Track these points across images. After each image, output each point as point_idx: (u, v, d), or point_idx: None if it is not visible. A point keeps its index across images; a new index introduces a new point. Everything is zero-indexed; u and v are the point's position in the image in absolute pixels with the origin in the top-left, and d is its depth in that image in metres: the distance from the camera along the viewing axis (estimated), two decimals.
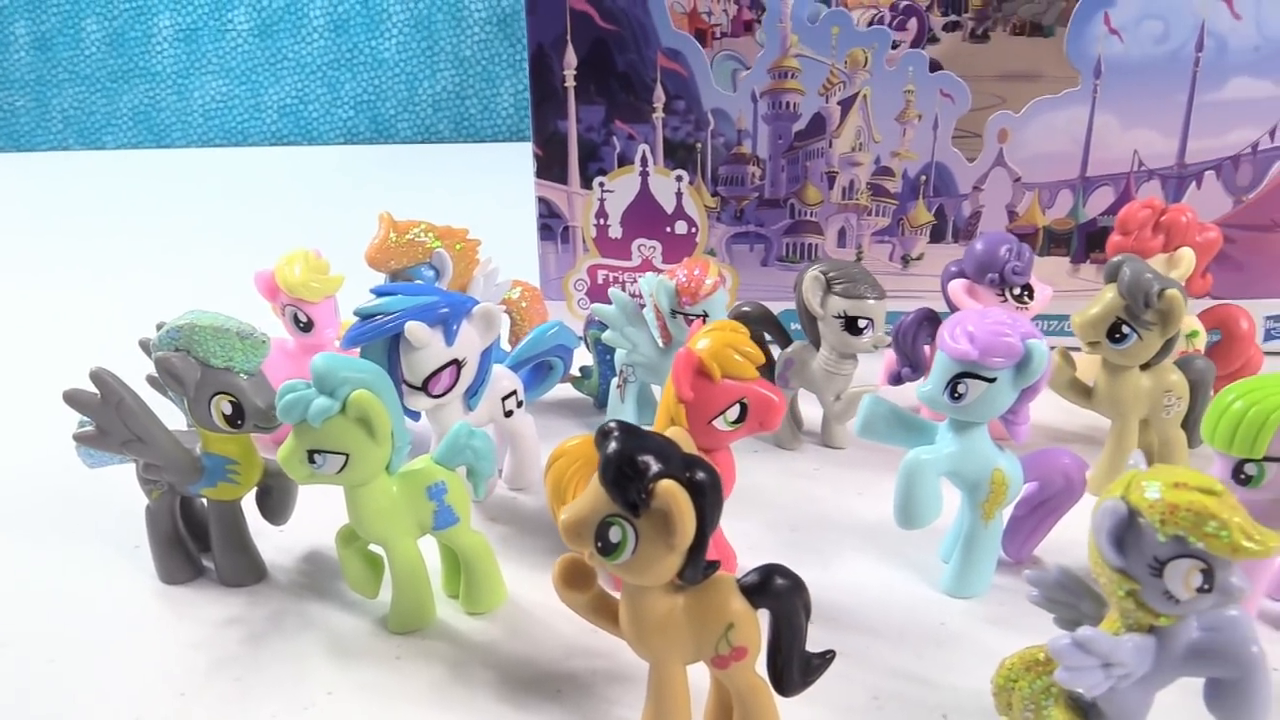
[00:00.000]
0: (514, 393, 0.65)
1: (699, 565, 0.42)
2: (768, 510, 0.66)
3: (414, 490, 0.54)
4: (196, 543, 0.61)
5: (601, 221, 0.83)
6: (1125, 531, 0.40)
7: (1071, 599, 0.45)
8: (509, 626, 0.56)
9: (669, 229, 0.83)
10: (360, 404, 0.50)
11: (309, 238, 0.80)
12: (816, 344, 0.70)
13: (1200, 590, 0.39)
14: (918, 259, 0.82)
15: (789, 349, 0.71)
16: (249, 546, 0.60)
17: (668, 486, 0.40)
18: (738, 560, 0.60)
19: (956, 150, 0.78)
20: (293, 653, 0.54)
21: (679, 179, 0.81)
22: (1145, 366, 0.65)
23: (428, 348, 0.59)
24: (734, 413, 0.53)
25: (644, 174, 0.81)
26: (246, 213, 1.51)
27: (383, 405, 0.50)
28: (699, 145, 0.80)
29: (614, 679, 0.51)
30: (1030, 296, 0.70)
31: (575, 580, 0.46)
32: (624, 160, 0.81)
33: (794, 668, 0.45)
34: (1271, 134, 0.77)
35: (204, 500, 0.60)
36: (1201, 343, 0.76)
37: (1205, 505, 0.38)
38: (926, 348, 0.71)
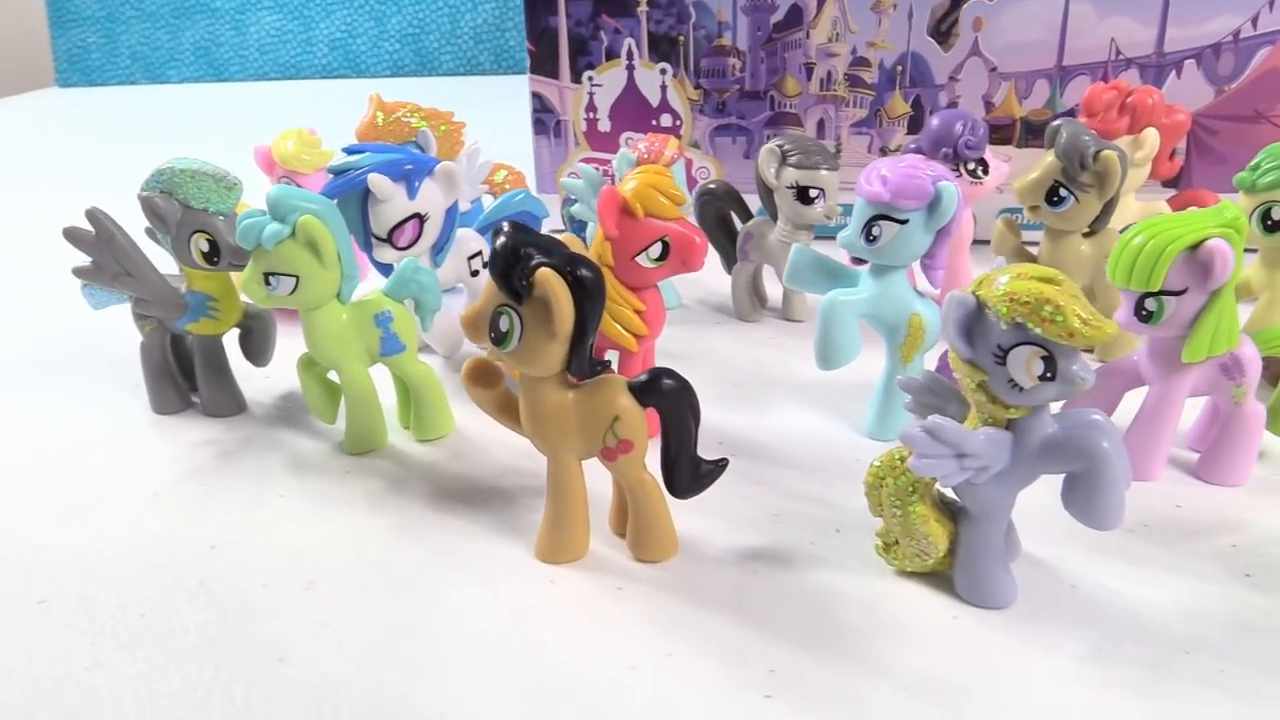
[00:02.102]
0: (479, 253, 0.70)
1: (584, 358, 0.46)
2: (716, 369, 0.70)
3: (362, 317, 0.58)
4: (186, 381, 0.67)
5: (591, 115, 0.87)
6: (974, 323, 0.42)
7: (939, 402, 0.47)
8: (452, 451, 0.61)
9: (655, 122, 0.86)
10: (307, 228, 0.55)
11: None
12: (775, 217, 0.72)
13: (1043, 378, 0.41)
14: (896, 150, 0.83)
15: (749, 223, 0.74)
16: (230, 380, 0.66)
17: (545, 273, 0.44)
18: None
19: (931, 40, 0.79)
20: (256, 468, 0.60)
21: (663, 72, 0.84)
22: (1089, 234, 0.66)
23: (391, 201, 0.63)
24: (656, 250, 0.57)
25: (630, 68, 0.84)
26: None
27: (328, 230, 0.55)
28: (681, 38, 0.83)
29: (539, 494, 0.55)
30: (985, 172, 0.71)
31: (481, 378, 0.50)
32: (611, 54, 0.85)
33: (684, 468, 0.48)
34: (1254, 21, 0.76)
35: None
36: None
37: (1043, 292, 0.40)
38: None
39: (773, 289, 0.79)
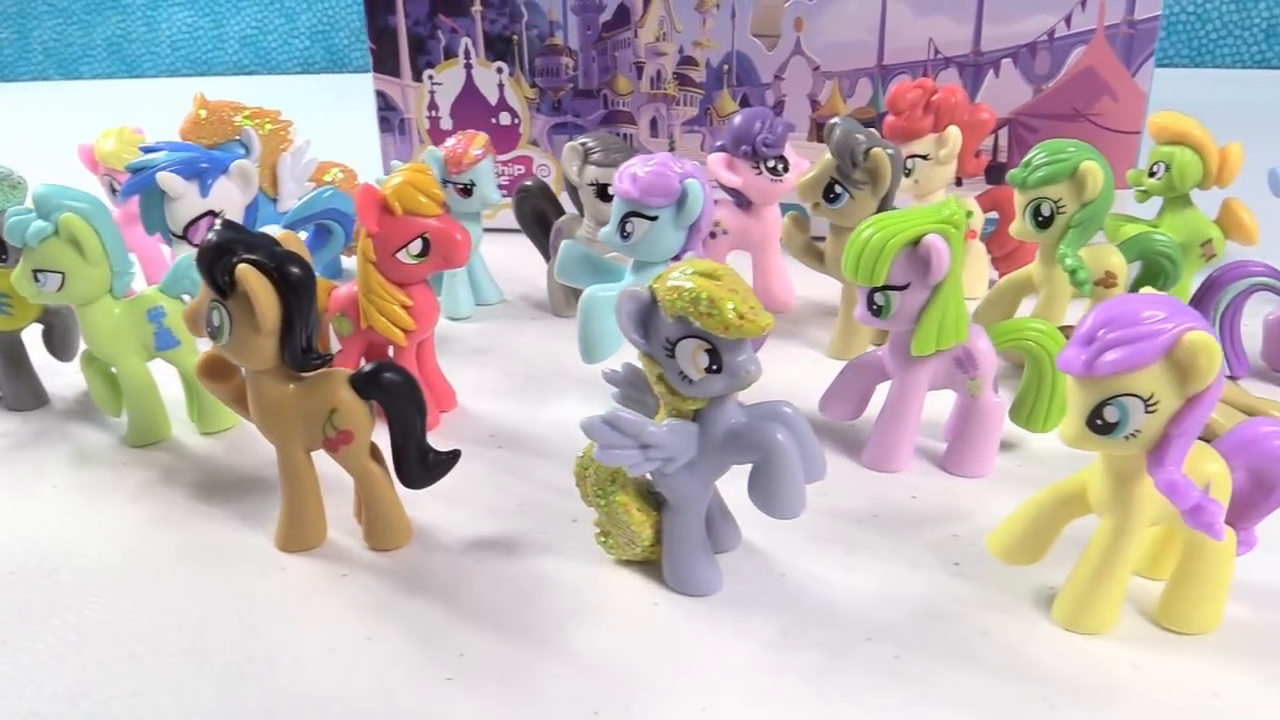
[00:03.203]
0: None
1: (295, 351, 0.47)
2: (515, 363, 0.71)
3: (136, 313, 0.60)
4: None
5: (433, 113, 0.88)
6: (648, 316, 0.43)
7: (639, 394, 0.48)
8: (231, 443, 0.62)
9: (494, 120, 0.87)
10: (69, 225, 0.56)
11: None
12: (582, 214, 0.73)
13: (710, 370, 0.42)
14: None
15: (559, 220, 0.75)
16: (29, 374, 0.67)
17: (243, 269, 0.45)
18: (458, 400, 0.65)
19: (756, 40, 0.81)
20: (38, 459, 0.61)
21: (500, 71, 0.85)
22: None
23: (183, 198, 0.64)
24: (416, 247, 0.58)
25: (467, 66, 0.85)
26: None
27: (90, 227, 0.56)
28: (515, 37, 0.84)
29: None
30: (785, 169, 0.72)
31: (215, 371, 0.51)
32: (449, 53, 0.86)
33: (411, 460, 0.49)
34: (1067, 20, 0.78)
35: None
36: (978, 223, 0.77)
37: (701, 287, 0.41)
38: None
39: None
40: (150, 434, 0.61)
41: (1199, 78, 1.85)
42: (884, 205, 0.65)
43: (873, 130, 0.65)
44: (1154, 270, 0.67)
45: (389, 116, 0.89)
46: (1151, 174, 0.73)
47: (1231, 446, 0.43)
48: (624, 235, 0.57)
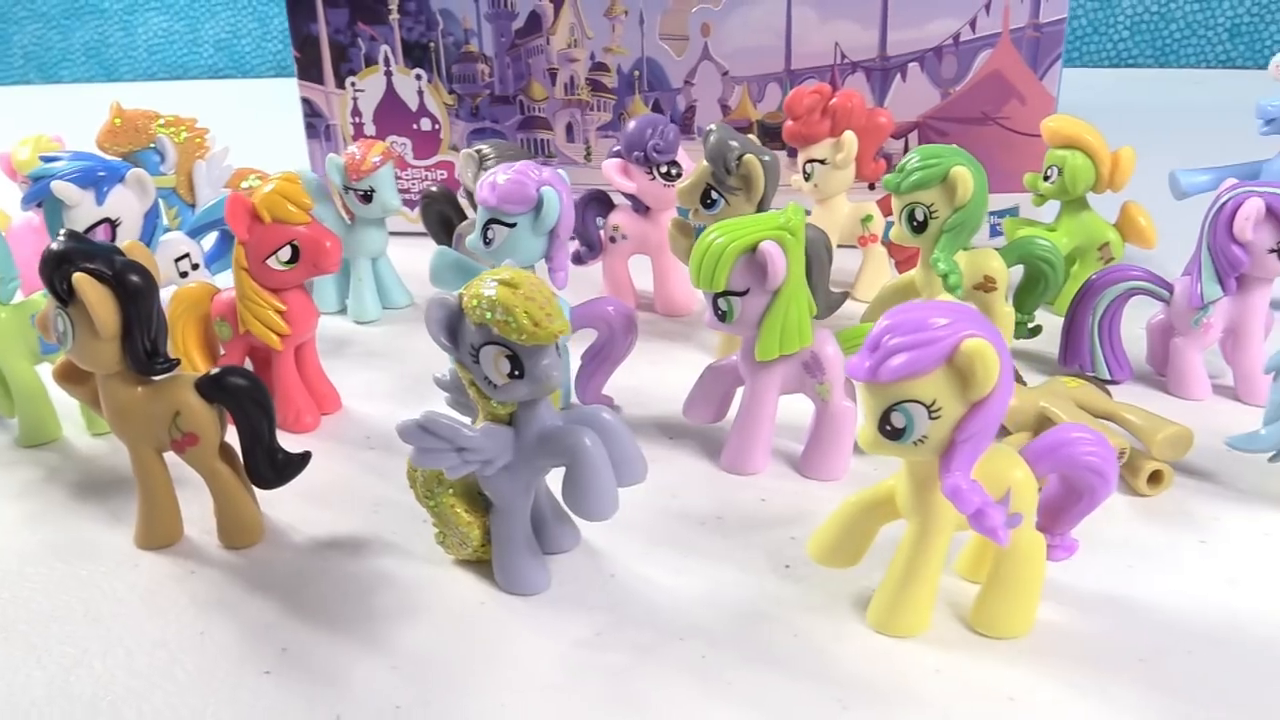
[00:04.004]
0: (187, 255, 0.72)
1: (137, 356, 0.49)
2: (407, 365, 0.72)
3: (20, 317, 0.61)
4: None
5: (357, 120, 0.89)
6: (457, 323, 0.44)
7: (466, 399, 0.50)
8: (117, 444, 0.63)
9: (416, 126, 0.88)
10: None
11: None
12: None
13: (513, 376, 0.43)
14: None
15: (460, 225, 0.76)
16: None
17: (78, 278, 0.46)
18: (343, 402, 0.66)
19: (665, 45, 0.82)
20: None
21: (418, 78, 0.87)
22: None
23: (79, 206, 0.66)
24: (286, 254, 0.59)
25: (387, 73, 0.87)
26: None
27: None
28: (432, 45, 0.85)
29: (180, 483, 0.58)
30: (679, 174, 0.73)
31: (71, 376, 0.53)
32: (370, 61, 0.87)
33: (260, 461, 0.51)
34: (972, 25, 0.78)
35: None
36: (878, 228, 0.77)
37: (498, 295, 0.43)
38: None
39: None
40: (39, 434, 0.63)
41: (1164, 78, 1.85)
42: (761, 211, 0.65)
43: (750, 137, 0.66)
44: (1035, 275, 0.67)
45: (315, 123, 0.91)
46: (1046, 178, 0.73)
47: (1036, 453, 0.44)
48: (486, 242, 0.58)
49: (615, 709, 0.41)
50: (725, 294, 0.53)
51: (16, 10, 2.01)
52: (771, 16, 0.80)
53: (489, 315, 0.42)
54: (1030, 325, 0.68)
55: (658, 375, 0.69)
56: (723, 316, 0.54)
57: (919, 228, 0.63)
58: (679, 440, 0.61)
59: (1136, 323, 0.69)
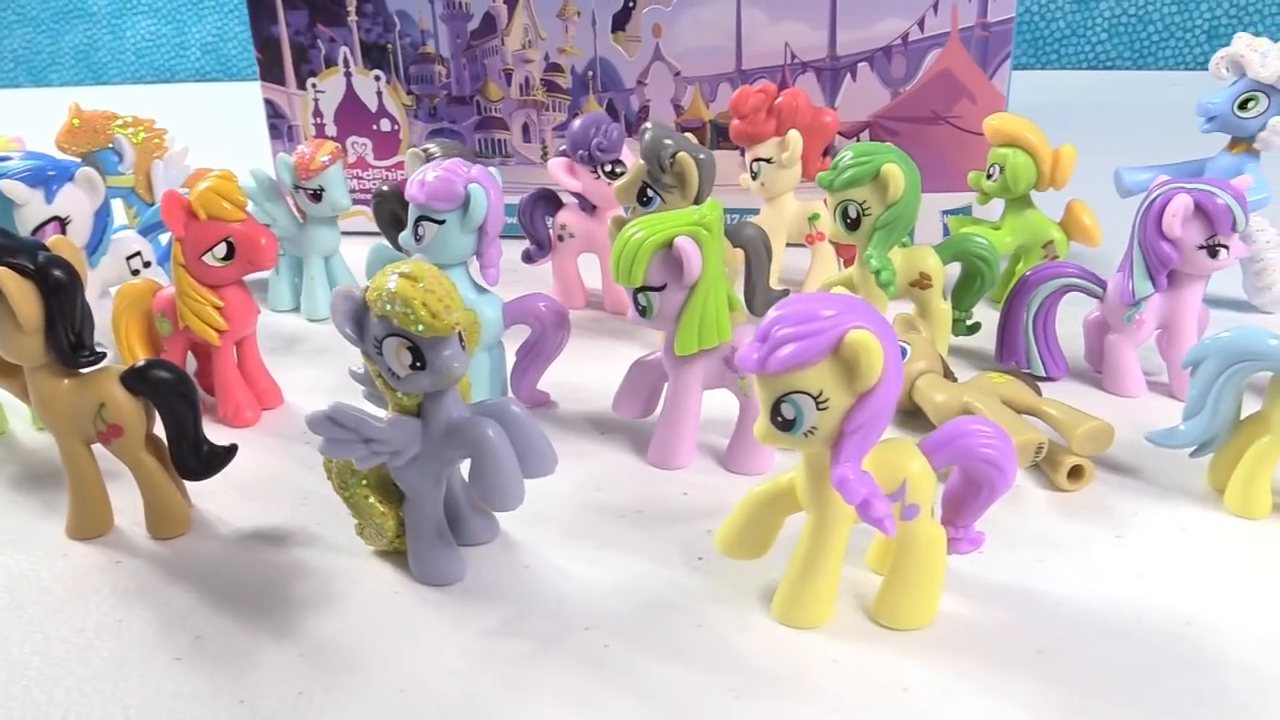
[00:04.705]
0: (139, 253, 0.74)
1: (61, 349, 0.50)
2: (353, 362, 0.72)
3: None
4: None
5: (318, 120, 0.90)
6: (363, 316, 0.45)
7: (379, 392, 0.50)
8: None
9: (375, 127, 0.89)
10: None
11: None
12: None
13: (414, 368, 0.44)
14: None
15: None
16: None
17: (0, 273, 0.47)
18: (286, 397, 0.67)
19: (617, 46, 0.82)
20: None
21: (377, 79, 0.88)
22: None
23: (28, 205, 0.67)
24: (221, 250, 0.60)
25: (347, 75, 0.88)
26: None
27: None
28: (390, 46, 0.86)
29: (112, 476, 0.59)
30: (623, 172, 0.73)
31: (1, 369, 0.54)
32: (330, 62, 0.88)
33: (185, 452, 0.52)
34: (920, 24, 0.78)
35: None
36: (826, 226, 0.78)
37: (398, 287, 0.43)
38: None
39: None
40: None
41: (1142, 80, 1.84)
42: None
43: (689, 135, 0.66)
44: (972, 272, 0.68)
45: (278, 124, 0.92)
46: (989, 176, 0.74)
47: (934, 445, 0.44)
48: (418, 239, 0.59)
49: (510, 696, 0.42)
50: (643, 289, 0.53)
51: (6, 14, 2.04)
52: (722, 17, 0.80)
53: (389, 307, 0.43)
54: (969, 322, 0.68)
55: (601, 372, 0.70)
56: (643, 312, 0.54)
57: (852, 225, 0.64)
58: (611, 435, 0.62)
59: (1077, 320, 0.69)
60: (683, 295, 0.53)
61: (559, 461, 0.48)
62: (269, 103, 0.91)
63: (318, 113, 0.90)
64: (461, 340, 0.45)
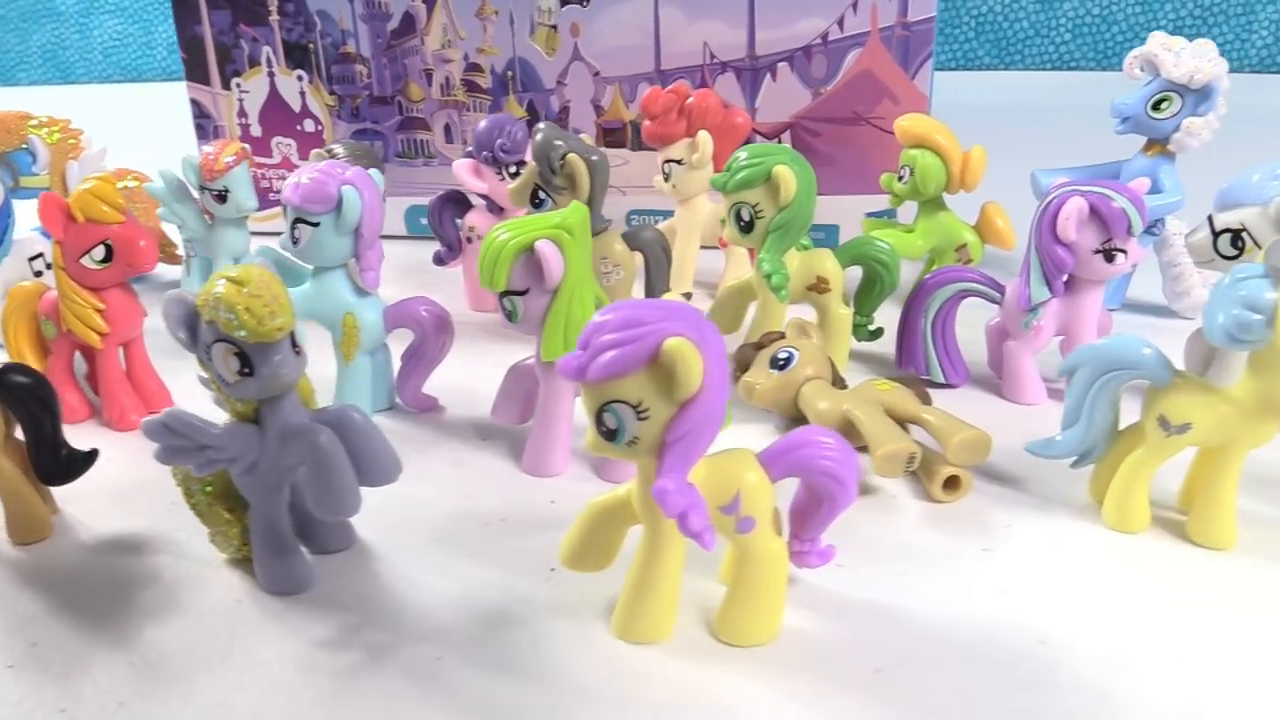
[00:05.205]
0: (41, 255, 0.73)
1: None
2: None
3: None
4: None
5: (243, 121, 0.90)
6: (195, 321, 0.44)
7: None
8: None
9: (299, 126, 0.89)
10: None
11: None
12: None
13: (243, 374, 0.43)
14: None
15: None
16: None
17: None
18: (174, 400, 0.66)
19: (535, 46, 0.81)
20: None
21: (300, 79, 0.87)
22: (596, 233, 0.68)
23: None
24: (99, 252, 0.60)
25: (270, 75, 0.87)
26: (139, 147, 1.65)
27: None
28: (312, 46, 0.86)
29: None
30: None
31: None
32: (253, 62, 0.88)
33: (43, 457, 0.52)
34: (840, 24, 0.77)
35: None
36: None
37: (224, 292, 0.43)
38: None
39: None
40: None
41: (1106, 81, 1.81)
42: (591, 210, 0.65)
43: (584, 136, 0.65)
44: (872, 276, 0.66)
45: (204, 124, 0.91)
46: (900, 178, 0.72)
47: (773, 455, 0.43)
48: (295, 241, 0.58)
49: (330, 708, 0.41)
50: (508, 293, 0.52)
51: None
52: (639, 16, 0.79)
53: (214, 313, 0.42)
54: (870, 328, 0.67)
55: (497, 377, 0.69)
56: (510, 316, 0.53)
57: (746, 228, 0.63)
58: (491, 441, 0.61)
59: (982, 325, 0.68)
60: (546, 299, 0.52)
61: (408, 468, 0.48)
62: (195, 103, 0.91)
63: (243, 113, 0.89)
64: (295, 346, 0.44)
